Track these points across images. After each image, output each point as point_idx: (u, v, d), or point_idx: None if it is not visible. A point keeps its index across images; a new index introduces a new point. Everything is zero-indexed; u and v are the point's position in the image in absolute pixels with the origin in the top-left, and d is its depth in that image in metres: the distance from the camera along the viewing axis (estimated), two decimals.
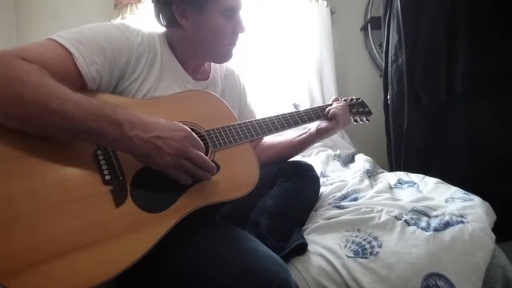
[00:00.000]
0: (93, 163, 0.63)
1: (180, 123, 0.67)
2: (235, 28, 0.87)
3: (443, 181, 1.16)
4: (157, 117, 0.66)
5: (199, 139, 0.67)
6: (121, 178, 0.64)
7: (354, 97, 1.15)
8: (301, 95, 2.29)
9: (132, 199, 0.63)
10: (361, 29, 2.41)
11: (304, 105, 2.24)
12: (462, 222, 0.83)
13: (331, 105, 1.05)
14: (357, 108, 1.11)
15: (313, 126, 1.03)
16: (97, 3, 2.27)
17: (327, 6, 2.30)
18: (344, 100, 1.10)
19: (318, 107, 1.04)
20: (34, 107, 0.56)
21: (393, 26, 1.70)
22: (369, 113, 1.13)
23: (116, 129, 0.60)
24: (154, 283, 0.67)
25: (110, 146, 0.64)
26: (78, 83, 0.68)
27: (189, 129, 0.67)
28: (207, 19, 0.82)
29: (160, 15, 0.86)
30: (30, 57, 0.61)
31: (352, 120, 1.10)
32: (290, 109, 2.15)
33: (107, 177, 0.63)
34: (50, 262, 0.53)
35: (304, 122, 0.98)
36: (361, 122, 1.13)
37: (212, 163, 0.68)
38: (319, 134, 1.01)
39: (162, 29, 0.90)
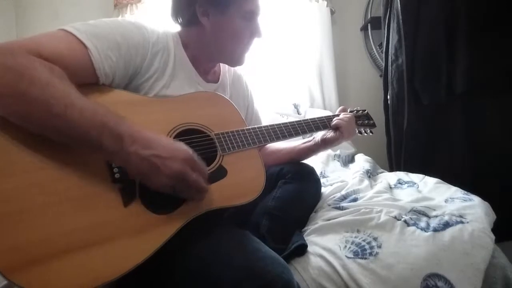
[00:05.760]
0: (103, 160, 0.63)
1: (183, 143, 0.65)
2: (253, 32, 0.88)
3: (443, 181, 1.16)
4: (160, 136, 0.64)
5: (200, 161, 0.65)
6: (130, 177, 0.64)
7: (360, 109, 1.16)
8: (301, 95, 2.29)
9: (140, 199, 0.63)
10: (361, 29, 2.41)
11: (304, 105, 2.24)
12: (461, 222, 0.83)
13: (338, 115, 1.04)
14: (362, 120, 1.12)
15: (318, 135, 1.02)
16: (97, 3, 2.27)
17: (327, 6, 2.30)
18: (350, 111, 1.11)
19: (325, 116, 1.04)
20: (38, 108, 0.55)
21: (393, 26, 1.70)
22: (373, 125, 1.14)
23: (117, 143, 0.58)
24: (157, 283, 0.67)
25: (108, 158, 0.63)
26: (91, 77, 0.68)
27: (191, 151, 0.64)
28: (228, 20, 0.83)
29: (179, 13, 0.87)
30: (46, 52, 0.60)
31: (357, 132, 1.10)
32: (290, 109, 2.16)
33: (117, 175, 0.62)
34: (58, 259, 0.53)
35: (311, 131, 0.99)
36: (365, 134, 1.13)
37: (207, 187, 0.66)
38: (324, 144, 1.00)
39: (175, 29, 0.90)
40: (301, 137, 1.01)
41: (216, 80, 0.96)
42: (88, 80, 0.67)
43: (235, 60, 0.92)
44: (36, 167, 0.56)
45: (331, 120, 1.02)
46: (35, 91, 0.55)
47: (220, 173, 0.74)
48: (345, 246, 0.78)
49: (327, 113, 2.18)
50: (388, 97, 1.81)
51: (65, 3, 2.23)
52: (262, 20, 0.89)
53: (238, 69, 1.08)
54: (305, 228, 0.91)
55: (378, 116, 1.18)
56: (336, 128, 1.00)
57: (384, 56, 1.86)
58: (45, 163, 0.58)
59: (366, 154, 1.67)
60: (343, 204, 1.00)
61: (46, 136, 0.58)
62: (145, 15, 2.18)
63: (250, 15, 0.85)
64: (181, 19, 0.87)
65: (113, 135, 0.58)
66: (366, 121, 1.12)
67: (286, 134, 0.93)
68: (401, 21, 1.62)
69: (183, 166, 0.61)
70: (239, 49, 0.89)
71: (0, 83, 0.54)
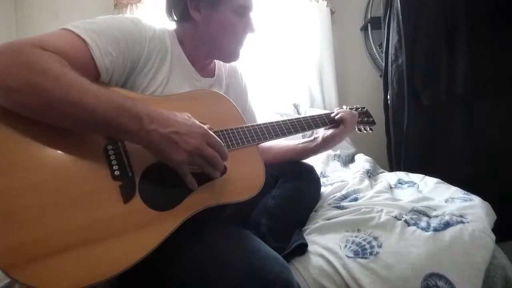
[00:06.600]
0: (103, 157, 0.63)
1: (196, 121, 0.66)
2: (246, 27, 0.88)
3: (443, 181, 1.16)
4: (175, 113, 0.65)
5: (215, 136, 0.67)
6: (130, 174, 0.64)
7: (359, 106, 1.14)
8: (301, 95, 2.29)
9: (140, 196, 0.63)
10: (361, 29, 2.41)
11: (304, 105, 2.24)
12: (462, 222, 0.83)
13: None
14: (362, 117, 1.11)
15: (319, 135, 1.02)
16: (97, 3, 2.27)
17: (327, 6, 2.30)
18: (350, 109, 1.09)
19: (325, 114, 1.04)
20: (54, 98, 0.55)
21: (393, 26, 1.70)
22: (373, 123, 1.13)
23: (136, 123, 0.59)
24: (157, 281, 0.67)
25: (128, 139, 0.64)
26: (92, 73, 0.68)
27: (205, 127, 0.66)
28: (220, 15, 0.83)
29: (172, 9, 0.87)
30: (50, 47, 0.61)
31: (356, 129, 1.09)
32: (290, 109, 2.16)
33: (117, 173, 0.62)
34: (58, 256, 0.53)
35: (311, 128, 0.98)
36: (365, 132, 1.12)
37: (223, 163, 0.68)
38: (325, 143, 1.00)
39: (171, 26, 0.90)
40: (301, 135, 1.00)
41: (212, 75, 0.96)
42: (89, 75, 0.67)
43: (229, 55, 0.92)
44: (36, 165, 0.56)
45: (330, 117, 1.02)
46: (49, 82, 0.55)
47: None
48: (346, 246, 0.79)
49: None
50: (388, 97, 1.81)
51: (65, 4, 2.23)
52: (256, 15, 0.89)
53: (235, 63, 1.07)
54: (306, 227, 0.91)
55: (378, 116, 1.17)
56: (339, 121, 0.99)
57: (384, 56, 1.86)
58: (45, 161, 0.58)
59: (366, 154, 1.67)
60: (344, 203, 1.00)
61: (60, 126, 0.58)
62: (145, 15, 2.19)
63: (242, 10, 0.85)
64: (174, 15, 0.88)
65: (131, 116, 0.59)
66: (365, 119, 1.11)
67: (286, 131, 0.92)
68: (401, 21, 1.63)
69: (200, 141, 0.64)
70: (233, 44, 0.89)
71: (12, 78, 0.54)
